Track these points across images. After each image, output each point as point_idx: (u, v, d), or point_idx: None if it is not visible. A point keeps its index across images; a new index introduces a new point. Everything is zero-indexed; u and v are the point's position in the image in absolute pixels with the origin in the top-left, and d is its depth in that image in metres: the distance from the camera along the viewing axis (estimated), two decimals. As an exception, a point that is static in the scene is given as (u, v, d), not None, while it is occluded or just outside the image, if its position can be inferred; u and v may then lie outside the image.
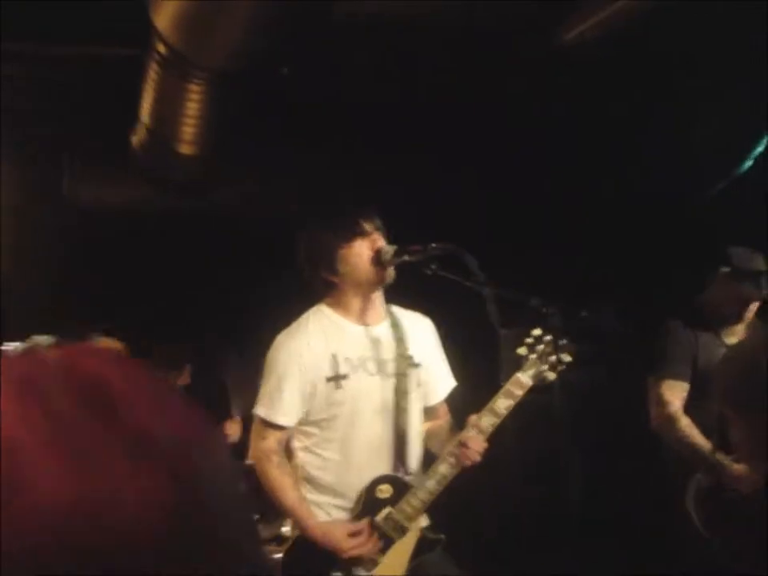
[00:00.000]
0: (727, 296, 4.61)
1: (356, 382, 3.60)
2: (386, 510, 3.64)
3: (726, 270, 4.65)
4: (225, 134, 5.24)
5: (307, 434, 3.65)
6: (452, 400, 3.99)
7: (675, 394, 4.59)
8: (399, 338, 3.73)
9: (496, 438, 3.63)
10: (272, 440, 3.60)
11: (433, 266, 3.56)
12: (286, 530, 4.97)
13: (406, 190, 6.04)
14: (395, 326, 3.76)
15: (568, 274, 5.81)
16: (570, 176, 6.00)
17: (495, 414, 3.61)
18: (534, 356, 3.67)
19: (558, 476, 4.84)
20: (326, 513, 3.66)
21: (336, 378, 3.58)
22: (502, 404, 3.62)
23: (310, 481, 3.68)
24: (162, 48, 4.31)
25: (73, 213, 6.43)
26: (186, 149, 5.22)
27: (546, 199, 6.14)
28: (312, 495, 3.67)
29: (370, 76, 5.43)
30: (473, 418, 3.60)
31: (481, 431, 3.59)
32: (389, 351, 3.70)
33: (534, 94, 5.50)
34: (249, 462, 3.96)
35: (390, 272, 3.65)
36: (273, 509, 5.17)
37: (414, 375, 3.74)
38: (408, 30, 4.94)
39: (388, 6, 4.79)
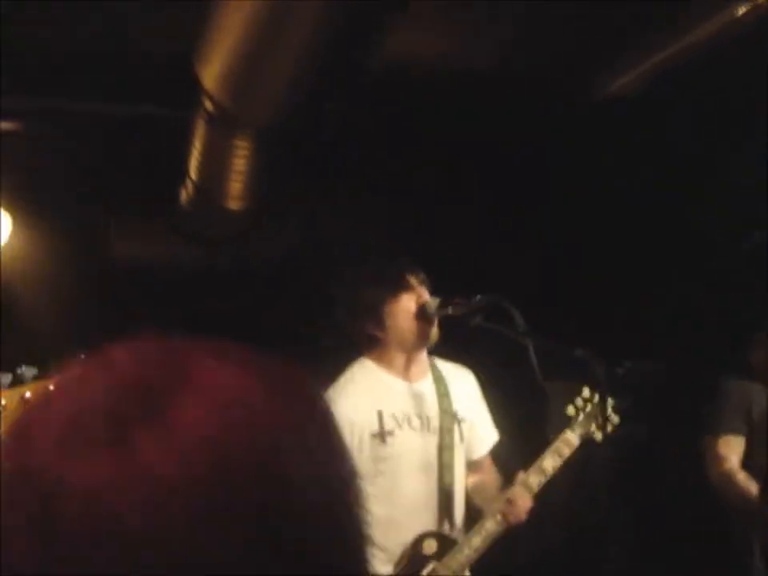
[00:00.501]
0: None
1: (401, 439, 3.58)
2: (430, 566, 3.60)
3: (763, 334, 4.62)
4: (271, 189, 5.29)
5: None
6: (495, 451, 3.97)
7: (732, 449, 4.54)
8: (443, 393, 3.72)
9: (542, 494, 3.61)
10: None
11: (477, 319, 3.56)
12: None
13: (448, 242, 6.05)
14: (438, 380, 3.75)
15: (612, 325, 5.78)
16: (612, 226, 6.00)
17: (543, 472, 3.61)
18: (582, 416, 3.66)
19: (604, 533, 4.79)
20: (371, 567, 3.63)
21: (381, 435, 3.57)
22: (550, 463, 3.63)
23: None
24: (209, 105, 4.38)
25: (116, 270, 6.49)
26: (233, 204, 5.27)
27: (589, 250, 6.13)
28: None
29: (409, 127, 5.47)
30: (521, 475, 3.59)
31: (528, 489, 3.58)
32: (432, 407, 3.69)
33: (576, 144, 5.51)
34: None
35: (435, 330, 3.64)
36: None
37: (457, 430, 3.73)
38: (452, 80, 4.98)
39: (426, 56, 4.84)
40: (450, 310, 3.57)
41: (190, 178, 5.25)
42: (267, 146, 4.69)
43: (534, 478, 3.59)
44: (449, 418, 3.70)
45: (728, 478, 4.49)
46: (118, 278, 6.42)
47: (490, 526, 3.58)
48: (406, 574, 3.60)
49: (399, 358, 3.66)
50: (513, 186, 6.01)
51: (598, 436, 3.66)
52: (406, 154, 5.70)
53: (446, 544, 3.63)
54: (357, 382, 3.64)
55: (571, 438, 3.63)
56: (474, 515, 3.73)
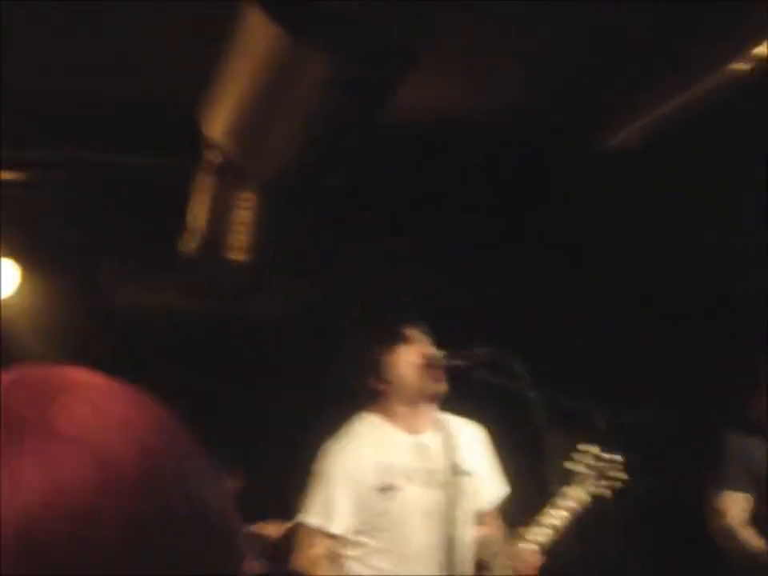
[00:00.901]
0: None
1: (405, 493, 3.57)
2: None
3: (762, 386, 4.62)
4: (277, 242, 5.31)
5: (357, 545, 3.62)
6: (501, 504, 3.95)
7: (735, 504, 4.53)
8: (448, 447, 3.71)
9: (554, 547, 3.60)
10: (322, 548, 3.56)
11: (482, 371, 3.57)
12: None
13: (456, 293, 6.06)
14: (444, 433, 3.74)
15: (613, 374, 5.77)
16: (612, 275, 6.01)
17: (552, 528, 3.60)
18: (583, 470, 3.66)
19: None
20: None
21: (384, 489, 3.55)
22: (557, 519, 3.62)
23: None
24: (214, 157, 4.40)
25: (111, 318, 6.48)
26: (237, 255, 5.28)
27: (589, 297, 6.15)
28: None
29: (414, 180, 5.49)
30: (527, 531, 3.58)
31: (536, 544, 3.57)
32: (437, 460, 3.67)
33: (578, 195, 5.54)
34: (294, 568, 3.92)
35: (443, 383, 3.63)
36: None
37: (463, 484, 3.72)
38: (452, 130, 5.01)
39: (432, 107, 4.87)
40: (459, 362, 3.57)
41: (193, 229, 5.26)
42: (272, 199, 4.71)
43: (541, 536, 3.57)
44: (454, 471, 3.69)
45: (728, 532, 4.48)
46: (119, 329, 6.42)
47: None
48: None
49: (403, 412, 3.65)
50: (513, 236, 6.01)
51: (606, 493, 3.66)
52: (414, 203, 5.72)
53: None
54: (359, 436, 3.64)
55: (578, 492, 3.62)
56: (481, 570, 3.72)
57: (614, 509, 3.65)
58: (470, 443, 3.84)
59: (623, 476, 3.73)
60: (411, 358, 3.61)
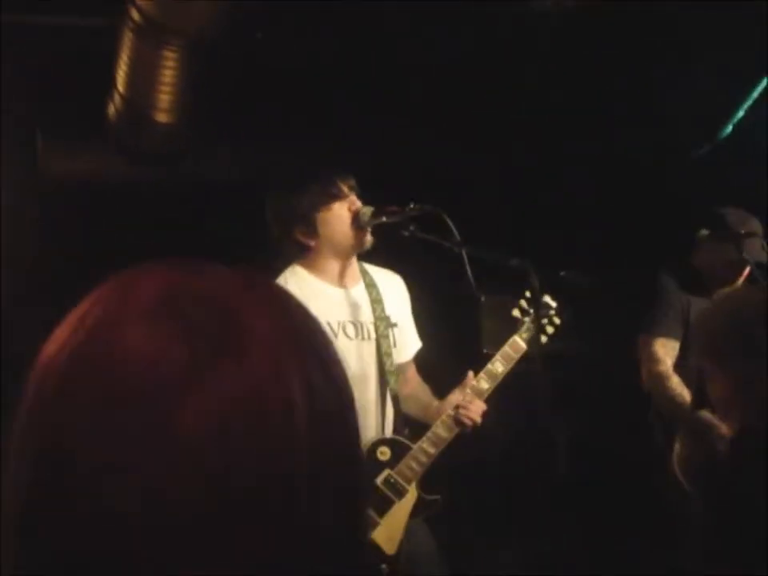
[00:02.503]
0: (721, 260, 4.58)
1: (338, 346, 3.54)
2: (385, 473, 3.62)
3: (705, 232, 4.63)
4: (200, 102, 5.19)
5: None
6: (427, 362, 3.97)
7: (667, 352, 4.59)
8: (376, 299, 3.71)
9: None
10: None
11: (411, 228, 3.53)
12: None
13: (380, 152, 5.99)
14: (370, 286, 3.73)
15: (548, 236, 5.78)
16: (547, 137, 5.97)
17: (493, 377, 3.64)
18: (528, 319, 3.67)
19: (543, 446, 4.84)
20: None
21: None
22: (499, 368, 3.66)
23: None
24: (136, 15, 4.27)
25: (45, 184, 6.36)
26: (162, 117, 5.17)
27: (521, 159, 6.12)
28: None
29: (343, 39, 5.36)
30: (471, 380, 3.62)
31: (479, 394, 3.61)
32: (367, 313, 3.67)
33: (513, 54, 5.45)
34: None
35: (369, 236, 3.60)
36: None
37: (392, 336, 3.72)
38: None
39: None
40: (384, 218, 3.53)
41: (118, 90, 5.13)
42: (196, 58, 4.59)
43: (484, 383, 3.61)
44: (384, 323, 3.68)
45: (661, 380, 4.55)
46: (46, 194, 6.30)
47: (443, 431, 3.61)
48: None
49: (332, 265, 3.62)
50: (448, 97, 5.92)
51: (543, 339, 3.69)
52: (339, 65, 5.59)
53: (400, 450, 3.65)
54: (294, 289, 3.56)
55: (519, 342, 3.65)
56: (408, 424, 3.74)
57: (544, 371, 3.66)
58: (394, 294, 3.83)
59: (559, 321, 3.76)
60: (343, 213, 3.55)
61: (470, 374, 3.67)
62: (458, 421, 3.60)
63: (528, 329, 3.68)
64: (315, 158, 3.77)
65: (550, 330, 3.76)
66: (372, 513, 3.55)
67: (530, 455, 5.66)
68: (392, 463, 3.64)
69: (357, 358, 3.61)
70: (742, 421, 2.30)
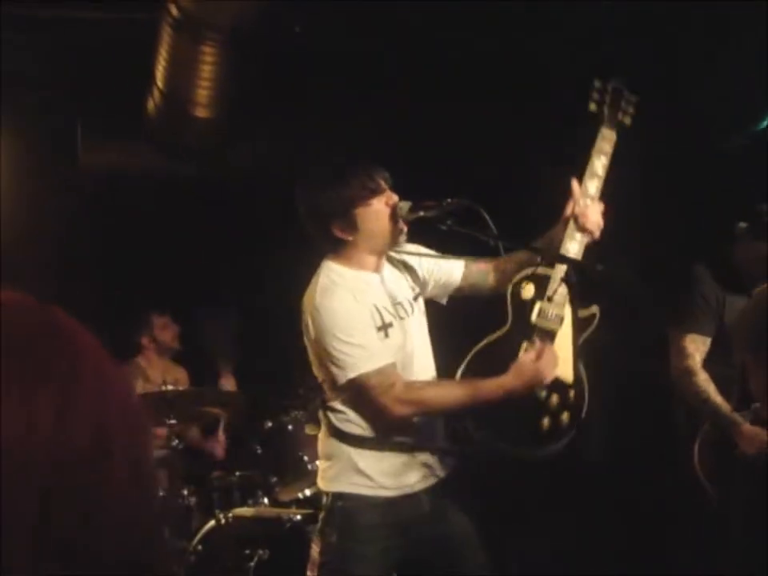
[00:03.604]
0: (757, 256, 4.54)
1: (395, 327, 3.53)
2: (537, 307, 3.60)
3: (743, 225, 4.59)
4: (239, 96, 5.22)
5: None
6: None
7: (698, 348, 4.56)
8: (401, 276, 3.69)
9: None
10: (392, 379, 3.40)
11: (448, 222, 3.52)
12: (308, 492, 5.01)
13: (413, 144, 5.99)
14: (393, 262, 3.69)
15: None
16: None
17: (596, 176, 3.63)
18: (605, 107, 3.67)
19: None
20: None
21: (384, 328, 3.53)
22: (599, 164, 3.64)
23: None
24: (174, 10, 4.30)
25: (86, 179, 6.43)
26: (201, 112, 5.20)
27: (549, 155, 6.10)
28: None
29: (378, 30, 5.36)
30: (576, 188, 3.61)
31: (591, 198, 3.62)
32: (402, 291, 3.64)
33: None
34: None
35: (405, 231, 3.59)
36: (291, 472, 5.22)
37: (418, 305, 3.71)
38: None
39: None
40: (422, 213, 3.53)
41: (157, 85, 5.17)
42: (234, 52, 4.62)
43: (590, 185, 3.61)
44: (414, 294, 3.69)
45: (688, 376, 4.53)
46: (85, 187, 6.37)
47: (573, 247, 3.60)
48: (514, 330, 3.59)
49: (368, 258, 3.59)
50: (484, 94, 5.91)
51: (627, 121, 3.69)
52: (379, 55, 5.59)
53: (542, 281, 3.62)
54: (341, 284, 3.54)
55: (607, 132, 3.65)
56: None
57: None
58: (410, 259, 3.79)
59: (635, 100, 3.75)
60: (381, 207, 3.53)
61: (574, 181, 3.64)
62: (582, 228, 3.58)
63: (611, 116, 3.68)
64: (348, 149, 3.71)
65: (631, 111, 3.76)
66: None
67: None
68: (539, 296, 3.61)
69: (411, 334, 3.59)
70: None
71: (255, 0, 4.06)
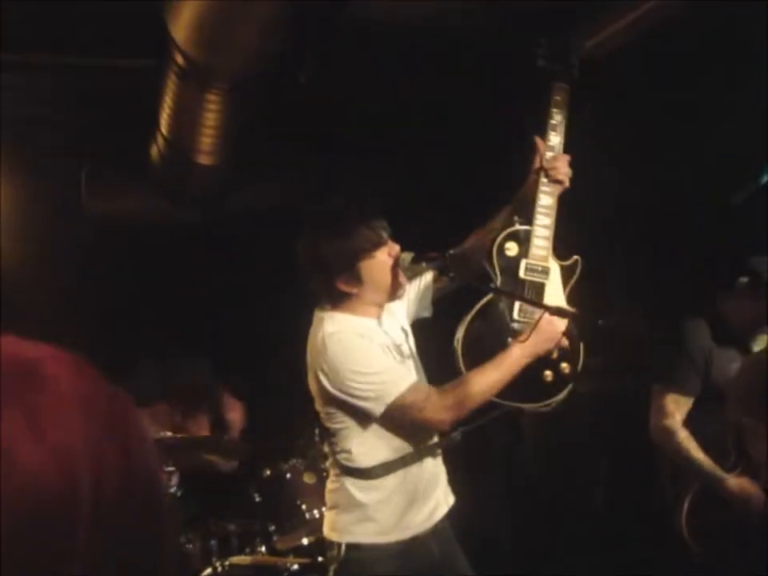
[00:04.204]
0: (749, 308, 4.53)
1: (401, 369, 3.53)
2: (523, 264, 3.76)
3: (744, 280, 4.57)
4: (242, 144, 5.24)
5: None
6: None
7: (679, 407, 4.54)
8: (394, 319, 3.72)
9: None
10: (421, 393, 3.46)
11: (451, 274, 3.55)
12: (305, 541, 4.98)
13: (415, 193, 6.01)
14: (388, 311, 3.70)
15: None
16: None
17: (558, 128, 3.80)
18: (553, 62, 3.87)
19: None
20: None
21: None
22: (558, 117, 3.81)
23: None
24: (179, 58, 4.32)
25: (88, 225, 6.44)
26: (204, 159, 5.22)
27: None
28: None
29: (381, 79, 5.39)
30: (541, 144, 3.77)
31: (555, 150, 3.78)
32: (399, 334, 3.67)
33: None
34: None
35: (405, 283, 3.59)
36: (289, 520, 5.18)
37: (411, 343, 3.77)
38: (419, 34, 4.91)
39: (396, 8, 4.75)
40: (424, 264, 3.54)
41: (161, 132, 5.19)
42: (238, 101, 4.64)
43: (553, 138, 3.80)
44: (405, 337, 3.73)
45: (668, 434, 4.51)
46: (88, 234, 6.38)
47: (545, 200, 3.76)
48: (505, 290, 3.73)
49: (370, 309, 3.58)
50: (483, 141, 5.93)
51: (575, 72, 3.93)
52: (382, 107, 5.62)
53: (523, 237, 3.79)
54: (345, 329, 3.51)
55: (559, 86, 3.86)
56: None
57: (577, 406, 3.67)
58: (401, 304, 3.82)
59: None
60: (385, 258, 3.53)
61: (537, 138, 3.79)
62: (555, 180, 3.75)
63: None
64: (349, 199, 3.70)
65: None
66: (529, 305, 3.67)
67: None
68: (523, 252, 3.77)
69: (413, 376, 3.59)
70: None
71: (260, 50, 4.06)
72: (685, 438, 4.47)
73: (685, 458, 4.45)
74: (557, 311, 3.52)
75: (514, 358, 3.50)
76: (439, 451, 3.69)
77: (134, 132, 5.65)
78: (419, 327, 3.87)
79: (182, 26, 3.97)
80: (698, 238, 5.80)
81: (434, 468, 3.67)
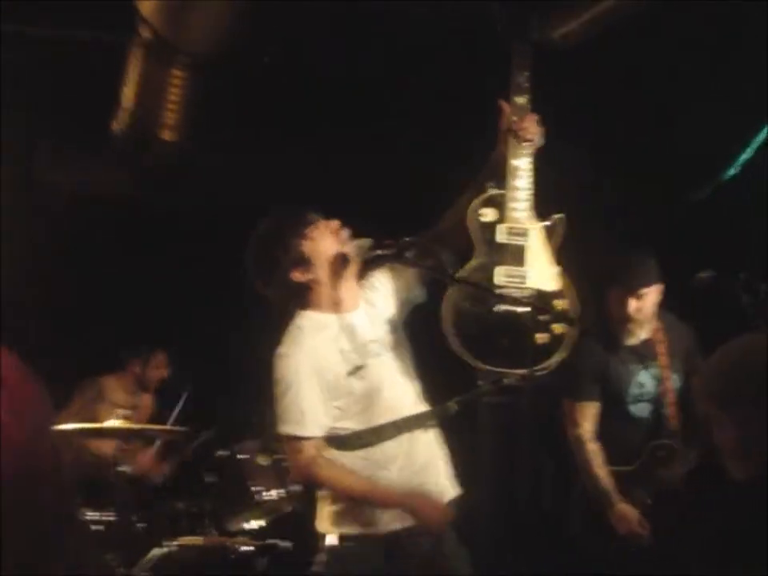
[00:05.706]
0: (613, 302, 4.59)
1: (369, 368, 3.50)
2: (503, 228, 3.70)
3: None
4: (205, 121, 5.21)
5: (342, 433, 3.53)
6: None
7: (586, 415, 4.64)
8: (376, 315, 3.66)
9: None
10: (311, 450, 3.44)
11: (406, 256, 3.53)
12: (255, 524, 4.99)
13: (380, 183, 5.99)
14: (369, 303, 3.67)
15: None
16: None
17: (522, 89, 3.74)
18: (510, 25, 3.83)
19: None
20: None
21: (354, 371, 3.49)
22: (521, 78, 3.74)
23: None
24: (146, 33, 4.30)
25: (43, 198, 6.37)
26: (167, 135, 5.18)
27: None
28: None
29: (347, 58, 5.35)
30: (504, 106, 3.69)
31: (522, 111, 3.70)
32: (367, 333, 3.59)
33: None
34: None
35: (349, 256, 3.54)
36: (241, 501, 5.16)
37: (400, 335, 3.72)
38: (386, 19, 4.90)
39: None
40: (379, 252, 3.52)
41: (125, 107, 5.15)
42: (203, 77, 4.62)
43: (518, 98, 3.72)
44: (386, 329, 3.67)
45: (578, 444, 4.62)
46: (43, 207, 6.31)
47: (522, 162, 3.69)
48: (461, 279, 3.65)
49: (329, 294, 3.55)
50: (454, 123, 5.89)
51: (534, 33, 3.89)
52: (345, 86, 5.58)
53: (499, 200, 3.71)
54: (306, 333, 3.49)
55: (519, 48, 3.78)
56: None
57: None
58: (384, 292, 3.74)
59: None
60: (327, 236, 3.51)
61: (501, 101, 3.71)
62: (522, 138, 3.66)
63: None
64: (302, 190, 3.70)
65: None
66: (515, 266, 3.65)
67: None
68: (500, 217, 3.71)
69: (386, 374, 3.57)
70: (748, 470, 2.30)
71: (226, 25, 4.04)
72: (592, 450, 4.58)
73: (587, 472, 4.57)
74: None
75: (387, 497, 3.49)
76: (433, 438, 3.66)
77: (94, 105, 5.58)
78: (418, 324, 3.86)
79: (148, 1, 3.96)
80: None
81: (428, 454, 3.62)
